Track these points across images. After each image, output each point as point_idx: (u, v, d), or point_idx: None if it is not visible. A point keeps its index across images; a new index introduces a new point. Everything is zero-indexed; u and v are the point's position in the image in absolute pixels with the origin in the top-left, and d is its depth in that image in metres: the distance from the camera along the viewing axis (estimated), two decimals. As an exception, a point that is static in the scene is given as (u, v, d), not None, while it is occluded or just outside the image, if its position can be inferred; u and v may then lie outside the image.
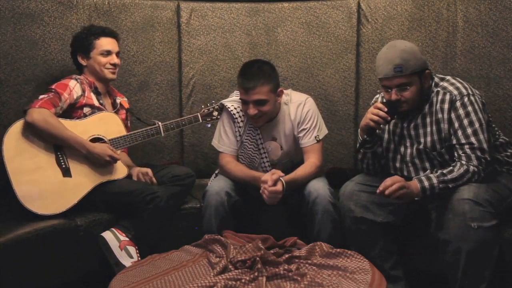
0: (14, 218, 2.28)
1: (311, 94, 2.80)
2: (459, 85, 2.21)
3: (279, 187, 2.31)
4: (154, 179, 2.61)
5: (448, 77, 2.28)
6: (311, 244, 2.09)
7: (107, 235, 2.37)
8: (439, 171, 2.15)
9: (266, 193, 2.30)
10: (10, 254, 2.13)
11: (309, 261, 1.97)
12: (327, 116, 3.08)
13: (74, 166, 2.43)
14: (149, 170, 2.62)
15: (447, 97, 2.19)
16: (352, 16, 3.09)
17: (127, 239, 2.39)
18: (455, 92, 2.19)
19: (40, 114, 2.35)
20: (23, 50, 2.85)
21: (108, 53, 2.59)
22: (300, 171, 2.47)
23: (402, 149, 2.35)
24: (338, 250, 2.04)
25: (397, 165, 2.38)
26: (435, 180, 2.11)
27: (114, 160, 2.45)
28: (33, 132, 2.36)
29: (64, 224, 2.32)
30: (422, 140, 2.27)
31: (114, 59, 2.61)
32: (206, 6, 3.16)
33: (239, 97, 2.60)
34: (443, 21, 2.92)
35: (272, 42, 3.16)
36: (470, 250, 2.03)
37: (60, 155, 2.41)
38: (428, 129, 2.25)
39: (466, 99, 2.17)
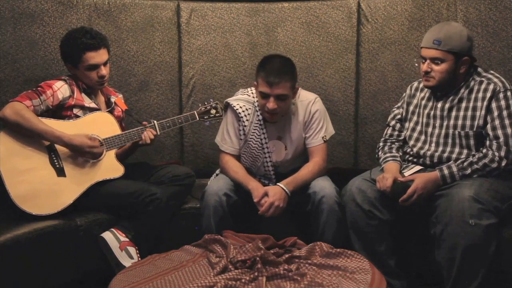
0: (12, 218, 2.28)
1: (311, 94, 2.81)
2: (503, 79, 2.29)
3: (270, 199, 2.33)
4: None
5: (491, 71, 2.36)
6: (311, 244, 2.09)
7: (107, 235, 2.37)
8: (460, 165, 2.22)
9: (266, 209, 2.34)
10: (10, 254, 2.13)
11: (309, 261, 1.98)
12: (327, 116, 3.09)
13: (68, 166, 2.42)
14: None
15: (491, 86, 2.25)
16: (352, 16, 3.09)
17: (127, 239, 2.39)
18: (500, 84, 2.26)
19: (12, 108, 2.33)
20: (23, 50, 2.86)
21: (94, 67, 2.50)
22: (304, 171, 2.47)
23: (429, 129, 2.40)
24: (338, 250, 2.04)
25: (419, 145, 2.42)
26: (455, 169, 2.22)
27: (94, 151, 2.41)
28: (21, 132, 2.34)
29: (64, 224, 2.32)
30: (452, 122, 2.32)
31: (101, 71, 2.51)
32: (206, 6, 3.16)
33: (244, 95, 2.59)
34: (443, 21, 2.91)
35: (272, 42, 3.15)
36: (466, 246, 2.05)
37: (53, 155, 2.41)
38: (462, 113, 2.31)
39: (509, 93, 2.24)
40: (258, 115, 2.54)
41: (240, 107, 2.56)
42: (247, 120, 2.55)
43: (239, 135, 2.57)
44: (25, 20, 2.85)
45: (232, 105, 2.57)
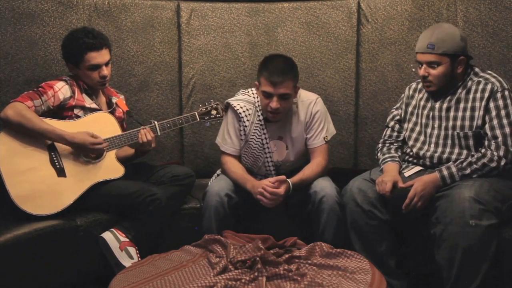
0: (12, 218, 2.27)
1: (311, 94, 2.81)
2: (500, 79, 2.30)
3: (281, 189, 2.33)
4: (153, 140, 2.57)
5: (488, 71, 2.36)
6: (311, 244, 2.09)
7: (107, 235, 2.37)
8: (459, 165, 2.22)
9: (267, 194, 2.31)
10: (10, 254, 2.13)
11: (309, 261, 1.98)
12: (327, 116, 3.09)
13: (69, 166, 2.42)
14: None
15: (489, 86, 2.26)
16: (352, 16, 3.09)
17: (127, 239, 2.39)
18: (497, 84, 2.26)
19: (14, 108, 2.33)
20: (23, 50, 2.86)
21: (96, 67, 2.50)
22: (308, 171, 2.47)
23: (429, 130, 2.40)
24: (338, 250, 2.04)
25: (419, 145, 2.42)
26: (454, 169, 2.22)
27: (99, 144, 2.42)
28: (23, 132, 2.34)
29: (64, 224, 2.32)
30: (451, 123, 2.33)
31: (103, 71, 2.52)
32: (206, 6, 3.16)
33: (245, 96, 2.60)
34: (443, 21, 2.91)
35: (272, 42, 3.16)
36: (466, 247, 2.05)
37: (54, 155, 2.41)
38: (460, 113, 2.31)
39: (507, 92, 2.25)
40: (259, 115, 2.55)
41: (241, 107, 2.56)
42: (247, 120, 2.55)
43: (239, 135, 2.57)
44: (25, 20, 2.85)
45: (233, 105, 2.57)
